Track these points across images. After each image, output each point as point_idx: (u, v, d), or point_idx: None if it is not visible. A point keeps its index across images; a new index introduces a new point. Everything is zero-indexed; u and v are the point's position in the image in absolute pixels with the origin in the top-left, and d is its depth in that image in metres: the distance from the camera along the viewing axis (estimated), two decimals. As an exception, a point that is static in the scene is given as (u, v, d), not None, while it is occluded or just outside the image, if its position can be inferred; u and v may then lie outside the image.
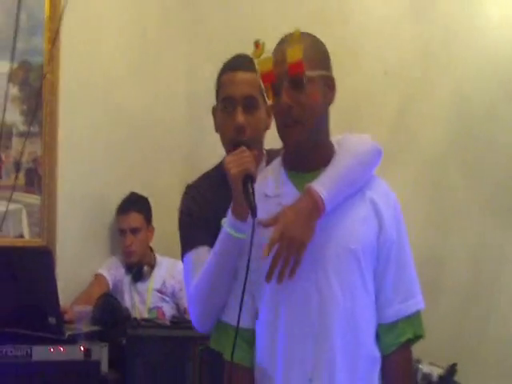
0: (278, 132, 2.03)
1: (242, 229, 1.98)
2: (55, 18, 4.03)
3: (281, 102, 1.97)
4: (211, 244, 2.13)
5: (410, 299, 2.03)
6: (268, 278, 1.91)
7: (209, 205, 2.31)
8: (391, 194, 2.08)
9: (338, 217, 1.97)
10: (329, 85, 2.04)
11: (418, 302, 2.05)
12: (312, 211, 1.92)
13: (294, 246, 1.89)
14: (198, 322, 2.15)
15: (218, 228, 2.10)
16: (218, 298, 2.05)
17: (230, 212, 2.03)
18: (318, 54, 2.04)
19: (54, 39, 3.99)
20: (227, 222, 2.02)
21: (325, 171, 1.99)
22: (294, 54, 1.96)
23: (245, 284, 1.88)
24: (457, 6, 4.02)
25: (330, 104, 2.05)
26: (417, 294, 2.06)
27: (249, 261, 1.87)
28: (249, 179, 1.98)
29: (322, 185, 1.95)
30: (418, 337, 2.05)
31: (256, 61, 2.02)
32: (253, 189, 1.97)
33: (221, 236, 2.04)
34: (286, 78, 1.97)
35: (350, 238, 1.97)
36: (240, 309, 1.88)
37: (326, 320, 1.94)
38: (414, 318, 2.04)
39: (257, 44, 2.01)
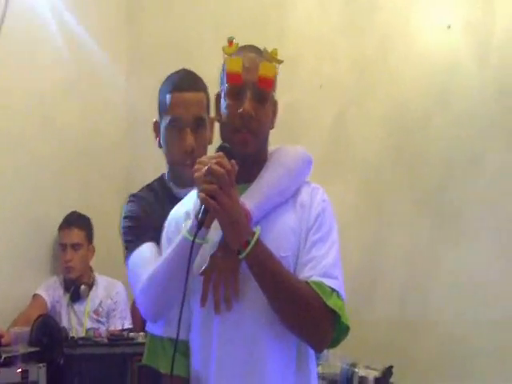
0: (227, 134, 1.98)
1: (199, 234, 1.87)
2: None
3: (244, 109, 1.94)
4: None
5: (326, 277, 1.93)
6: (202, 302, 1.91)
7: (153, 215, 2.29)
8: (320, 196, 2.04)
9: (267, 226, 1.96)
10: (273, 110, 2.06)
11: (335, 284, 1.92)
12: None
13: (228, 264, 1.90)
14: (148, 312, 2.05)
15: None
16: (173, 291, 1.94)
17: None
18: (275, 78, 2.03)
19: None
20: (188, 226, 1.92)
21: (254, 183, 2.00)
22: (268, 69, 1.96)
23: (183, 301, 1.84)
24: (391, 19, 4.10)
25: (271, 128, 2.06)
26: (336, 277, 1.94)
27: (187, 279, 1.83)
28: None
29: (249, 197, 1.95)
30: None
31: (226, 57, 1.97)
32: None
33: (177, 239, 1.95)
34: (252, 87, 1.95)
35: (280, 245, 1.95)
36: (179, 321, 1.82)
37: (258, 324, 1.93)
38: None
39: (230, 41, 1.97)
